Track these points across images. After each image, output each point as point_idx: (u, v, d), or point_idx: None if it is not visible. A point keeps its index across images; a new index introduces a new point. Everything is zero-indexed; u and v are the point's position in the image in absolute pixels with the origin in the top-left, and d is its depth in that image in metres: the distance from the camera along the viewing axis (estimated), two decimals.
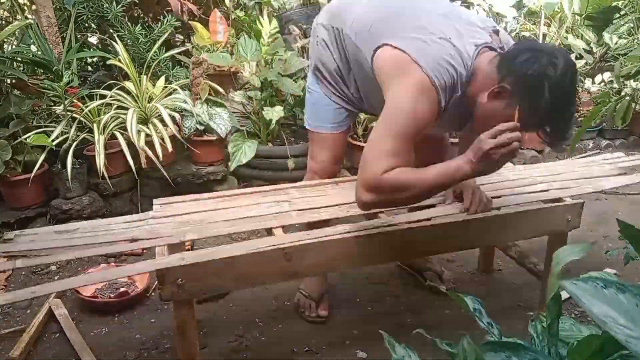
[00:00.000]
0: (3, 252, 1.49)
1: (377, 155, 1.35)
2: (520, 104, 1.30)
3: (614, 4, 3.84)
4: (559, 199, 1.74)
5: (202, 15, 3.34)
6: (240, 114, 3.06)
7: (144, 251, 2.29)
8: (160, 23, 2.95)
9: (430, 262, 2.18)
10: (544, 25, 4.09)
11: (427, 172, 1.35)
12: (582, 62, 3.76)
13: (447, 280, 2.14)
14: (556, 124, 1.34)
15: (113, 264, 2.24)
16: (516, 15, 4.06)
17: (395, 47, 1.40)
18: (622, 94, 3.20)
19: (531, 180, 1.91)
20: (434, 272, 2.15)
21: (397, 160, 1.34)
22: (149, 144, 2.45)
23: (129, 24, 2.85)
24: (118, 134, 2.46)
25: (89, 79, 2.96)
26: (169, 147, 2.52)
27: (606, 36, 3.83)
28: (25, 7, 3.07)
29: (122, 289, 2.03)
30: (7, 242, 1.53)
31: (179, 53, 3.02)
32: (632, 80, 3.37)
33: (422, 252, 1.68)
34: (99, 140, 2.39)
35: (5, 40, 2.76)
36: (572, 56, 3.70)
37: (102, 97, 2.59)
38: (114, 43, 2.76)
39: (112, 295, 2.01)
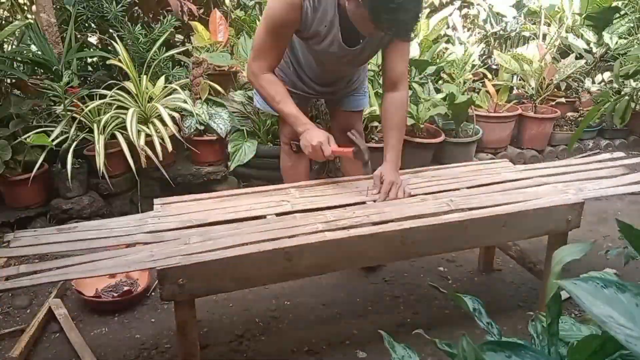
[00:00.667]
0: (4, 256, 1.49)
1: (254, 49, 1.79)
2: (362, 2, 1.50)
3: (614, 4, 3.85)
4: (559, 199, 1.73)
5: (202, 15, 3.34)
6: (240, 114, 3.06)
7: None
8: (160, 23, 2.95)
9: None
10: (544, 25, 4.09)
11: (284, 103, 1.78)
12: (582, 62, 3.76)
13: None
14: (385, 17, 1.48)
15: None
16: (516, 15, 4.06)
17: None
18: (622, 93, 3.20)
19: (532, 180, 1.91)
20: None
21: (266, 63, 1.78)
22: (149, 143, 2.45)
23: (129, 23, 2.85)
24: (118, 134, 2.47)
25: (89, 79, 2.96)
26: (169, 147, 2.52)
27: (606, 36, 3.83)
28: (25, 7, 3.07)
29: (125, 288, 2.03)
30: (7, 244, 1.53)
31: (179, 53, 3.02)
32: (631, 80, 3.37)
33: (423, 252, 1.68)
34: (99, 140, 2.39)
35: (5, 40, 2.76)
36: (572, 56, 3.70)
37: (102, 97, 2.59)
38: (114, 43, 2.76)
39: (115, 295, 2.01)
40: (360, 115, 2.25)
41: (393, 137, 1.85)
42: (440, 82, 3.56)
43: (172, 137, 2.57)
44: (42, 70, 2.74)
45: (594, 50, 3.94)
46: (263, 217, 1.61)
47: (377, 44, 1.82)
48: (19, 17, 2.92)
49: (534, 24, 4.26)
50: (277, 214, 1.62)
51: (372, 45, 1.81)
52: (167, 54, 2.86)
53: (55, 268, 1.38)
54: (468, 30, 4.25)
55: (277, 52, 1.79)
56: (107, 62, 2.86)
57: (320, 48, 1.78)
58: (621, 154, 2.26)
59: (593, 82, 3.94)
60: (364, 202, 1.71)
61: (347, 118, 2.18)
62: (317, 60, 1.91)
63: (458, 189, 1.83)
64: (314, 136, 1.73)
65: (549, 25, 4.16)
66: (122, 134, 2.46)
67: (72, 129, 2.46)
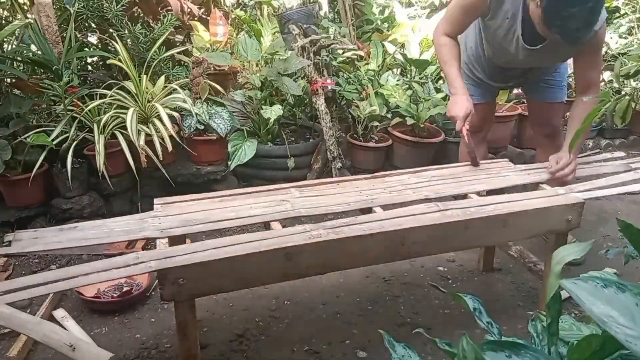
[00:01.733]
0: (4, 254, 1.49)
1: (446, 15, 2.06)
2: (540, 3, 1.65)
3: (614, 4, 3.85)
4: (559, 199, 1.73)
5: (202, 15, 3.34)
6: (240, 114, 3.06)
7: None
8: (160, 23, 2.95)
9: None
10: None
11: (448, 65, 2.01)
12: None
13: None
14: (556, 22, 1.64)
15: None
16: None
17: None
18: (622, 93, 3.19)
19: (532, 179, 1.91)
20: None
21: (449, 27, 2.02)
22: (149, 143, 2.45)
23: (129, 23, 2.85)
24: (118, 134, 2.46)
25: (89, 78, 2.96)
26: (169, 147, 2.52)
27: (607, 36, 3.82)
28: (25, 7, 3.07)
29: (125, 288, 2.03)
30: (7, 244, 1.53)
31: (179, 52, 3.02)
32: (631, 80, 3.37)
33: (423, 252, 1.68)
34: (99, 139, 2.39)
35: (5, 39, 2.76)
36: None
37: (102, 96, 2.59)
38: (113, 42, 2.76)
39: (115, 295, 2.01)
40: (559, 108, 2.29)
41: (573, 131, 1.96)
42: (440, 81, 3.56)
43: (172, 137, 2.56)
44: (42, 70, 2.74)
45: None
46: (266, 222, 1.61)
47: (559, 50, 1.88)
48: (19, 16, 2.92)
49: None
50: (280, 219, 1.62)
51: (553, 50, 1.88)
52: (167, 54, 2.86)
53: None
54: None
55: (461, 25, 2.02)
56: (107, 61, 2.85)
57: (501, 40, 1.95)
58: (622, 153, 2.26)
59: None
60: (369, 208, 1.71)
61: (543, 111, 2.26)
62: (498, 54, 2.07)
63: (458, 189, 1.82)
64: (456, 107, 1.93)
65: None
66: (122, 133, 2.46)
67: (72, 129, 2.46)
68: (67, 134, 2.44)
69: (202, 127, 2.76)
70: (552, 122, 2.29)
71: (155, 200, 1.72)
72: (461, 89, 1.97)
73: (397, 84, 3.30)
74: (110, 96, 2.56)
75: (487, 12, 1.89)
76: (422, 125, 3.19)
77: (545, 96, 2.24)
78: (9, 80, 2.72)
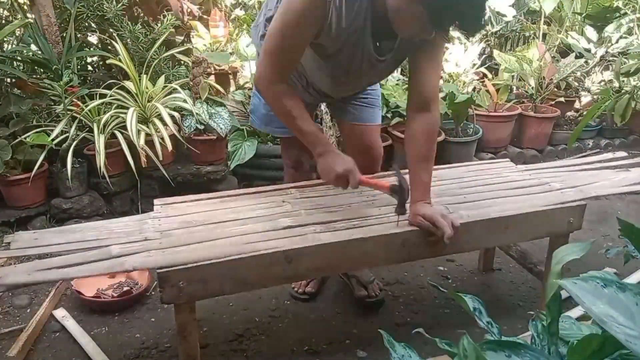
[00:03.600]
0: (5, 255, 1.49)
1: (266, 51, 1.44)
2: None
3: (615, 4, 3.85)
4: (561, 201, 1.73)
5: (203, 15, 3.34)
6: (240, 113, 3.06)
7: None
8: (160, 22, 2.95)
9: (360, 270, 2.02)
10: (544, 24, 4.08)
11: (302, 120, 1.50)
12: (582, 61, 3.75)
13: (373, 289, 2.02)
14: (466, 11, 1.23)
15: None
16: (516, 15, 4.05)
17: None
18: (622, 91, 3.19)
19: (533, 180, 1.91)
20: (360, 281, 2.03)
21: (277, 66, 1.45)
22: (149, 143, 2.45)
23: (129, 23, 2.85)
24: (118, 134, 2.47)
25: (89, 78, 2.96)
26: (169, 147, 2.52)
27: (608, 34, 3.82)
28: (25, 7, 3.07)
29: (125, 288, 2.03)
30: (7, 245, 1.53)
31: (179, 52, 3.02)
32: (631, 78, 3.37)
33: (424, 255, 1.67)
34: (99, 139, 2.39)
35: (5, 39, 2.76)
36: (572, 55, 3.70)
37: (102, 96, 2.59)
38: (113, 42, 2.76)
39: (114, 295, 2.01)
40: (378, 130, 1.96)
41: (425, 172, 1.56)
42: (440, 81, 3.56)
43: (172, 137, 2.56)
44: (42, 70, 2.74)
45: (594, 50, 3.93)
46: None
47: (405, 50, 1.52)
48: (19, 16, 2.92)
49: (534, 23, 4.25)
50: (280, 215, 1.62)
51: (400, 52, 1.52)
52: (167, 54, 2.86)
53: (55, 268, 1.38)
54: None
55: (293, 56, 1.45)
56: (107, 61, 2.85)
57: (341, 58, 1.47)
58: (623, 153, 2.25)
59: (593, 82, 3.94)
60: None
61: (365, 133, 1.87)
62: (332, 73, 1.58)
63: (459, 190, 1.82)
64: (338, 162, 1.47)
65: (549, 24, 4.15)
66: (122, 133, 2.46)
67: (72, 129, 2.46)
68: (67, 134, 2.45)
69: (202, 127, 2.76)
70: (375, 147, 1.92)
71: (155, 201, 1.72)
72: (330, 145, 1.54)
73: (397, 84, 3.30)
74: (110, 96, 2.56)
75: (323, 22, 1.35)
76: None
77: (361, 117, 1.84)
78: (9, 80, 2.72)
